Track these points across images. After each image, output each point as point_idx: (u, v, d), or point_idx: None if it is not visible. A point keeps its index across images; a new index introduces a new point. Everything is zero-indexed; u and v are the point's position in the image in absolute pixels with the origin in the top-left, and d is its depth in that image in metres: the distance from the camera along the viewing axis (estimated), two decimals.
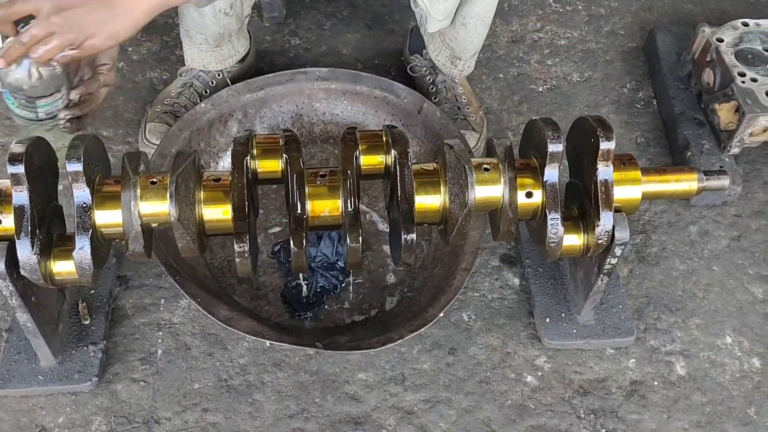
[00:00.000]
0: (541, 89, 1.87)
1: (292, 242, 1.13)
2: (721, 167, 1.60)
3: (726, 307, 1.49)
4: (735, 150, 1.63)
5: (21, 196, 1.08)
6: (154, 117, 1.66)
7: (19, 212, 1.08)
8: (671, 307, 1.49)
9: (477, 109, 1.74)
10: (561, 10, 2.06)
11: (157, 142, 1.59)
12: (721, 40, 1.67)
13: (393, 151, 1.18)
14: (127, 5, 1.16)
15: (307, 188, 1.15)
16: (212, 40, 1.62)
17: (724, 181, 1.28)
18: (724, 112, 1.62)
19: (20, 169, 1.07)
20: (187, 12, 1.56)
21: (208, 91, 1.70)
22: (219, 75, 1.72)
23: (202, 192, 1.14)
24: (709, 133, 1.68)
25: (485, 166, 1.16)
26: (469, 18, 1.55)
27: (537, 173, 1.19)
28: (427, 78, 1.76)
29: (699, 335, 1.45)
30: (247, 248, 1.13)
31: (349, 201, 1.16)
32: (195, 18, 1.56)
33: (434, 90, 1.75)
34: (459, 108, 1.71)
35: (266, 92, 1.63)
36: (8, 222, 1.11)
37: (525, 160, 1.23)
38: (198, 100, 1.67)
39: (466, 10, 1.53)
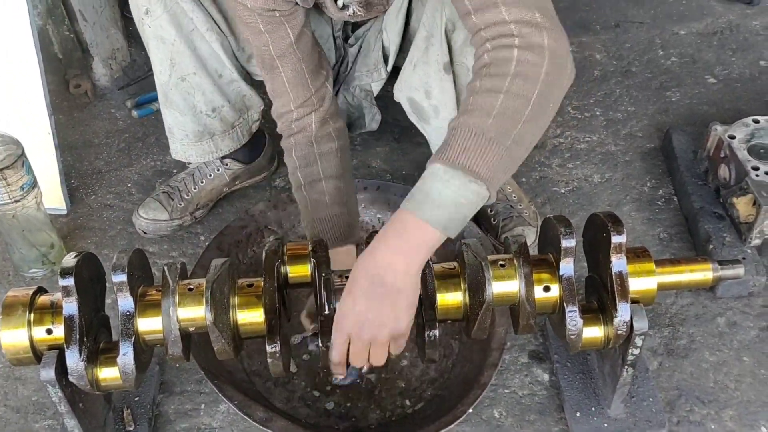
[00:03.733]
0: (563, 191, 1.94)
1: (320, 342, 1.20)
2: (743, 258, 1.64)
3: (759, 398, 1.49)
4: (756, 241, 1.67)
5: (70, 306, 1.17)
6: (153, 194, 1.87)
7: (68, 322, 1.17)
8: (703, 399, 1.49)
9: (528, 204, 1.82)
10: (579, 116, 2.16)
11: (144, 215, 1.82)
12: (733, 137, 1.74)
13: None
14: (398, 287, 1.12)
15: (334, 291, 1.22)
16: (192, 136, 1.77)
17: (739, 270, 1.31)
18: (742, 205, 1.67)
19: (70, 281, 1.16)
20: (168, 112, 1.74)
21: (204, 181, 1.88)
22: (218, 170, 1.88)
23: (236, 297, 1.22)
24: (729, 226, 1.72)
25: (501, 262, 1.22)
26: None
27: (554, 268, 1.24)
28: None
29: (733, 427, 1.45)
30: (278, 349, 1.19)
31: None
32: (176, 116, 1.73)
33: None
34: (512, 206, 1.79)
35: None
36: (59, 332, 1.19)
37: (541, 256, 1.29)
38: (193, 188, 1.86)
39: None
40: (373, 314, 1.12)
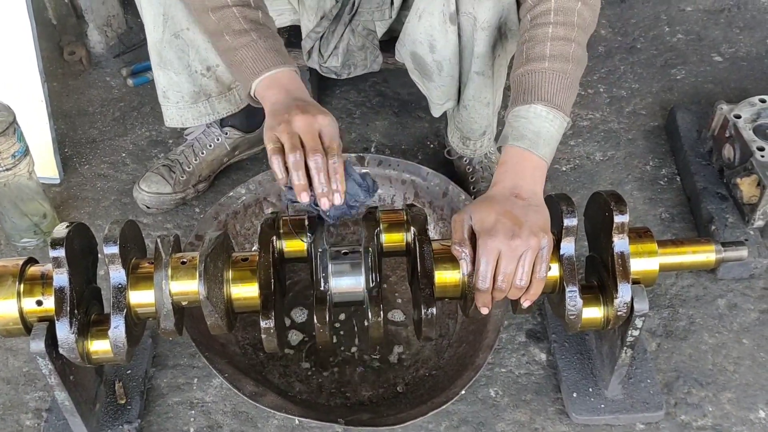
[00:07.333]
0: (564, 168, 1.91)
1: (315, 318, 1.17)
2: (745, 240, 1.61)
3: (758, 381, 1.47)
4: (759, 223, 1.64)
5: (61, 278, 1.14)
6: (153, 168, 1.84)
7: (59, 294, 1.14)
8: (701, 381, 1.48)
9: None
10: (583, 92, 2.13)
11: (146, 189, 1.79)
12: (738, 117, 1.71)
13: (412, 228, 1.23)
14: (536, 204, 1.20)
15: (330, 266, 1.20)
16: (188, 98, 1.72)
17: (742, 252, 1.29)
18: (745, 186, 1.64)
19: (61, 252, 1.13)
20: (163, 73, 1.67)
21: (204, 152, 1.85)
22: (218, 139, 1.85)
23: (230, 271, 1.20)
24: (732, 207, 1.69)
25: None
26: (466, 100, 1.62)
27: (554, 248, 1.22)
28: (464, 160, 1.82)
29: (731, 409, 1.43)
30: (272, 324, 1.17)
31: (370, 277, 1.20)
32: (171, 77, 1.68)
33: (471, 170, 1.81)
34: None
35: None
36: (49, 303, 1.17)
37: None
38: (194, 159, 1.84)
39: (463, 92, 1.61)
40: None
